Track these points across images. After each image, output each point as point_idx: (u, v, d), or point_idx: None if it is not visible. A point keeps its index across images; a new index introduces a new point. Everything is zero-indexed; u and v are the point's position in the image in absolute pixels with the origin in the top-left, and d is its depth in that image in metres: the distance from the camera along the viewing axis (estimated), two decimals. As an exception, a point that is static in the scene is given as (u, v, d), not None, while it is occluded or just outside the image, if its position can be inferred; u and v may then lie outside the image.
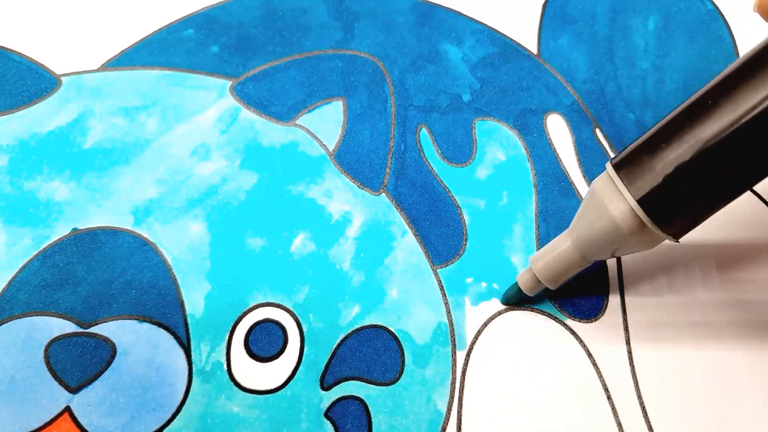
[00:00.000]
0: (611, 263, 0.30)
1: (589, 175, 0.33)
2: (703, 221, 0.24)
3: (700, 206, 0.23)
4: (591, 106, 0.34)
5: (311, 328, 0.29)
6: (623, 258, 0.31)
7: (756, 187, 0.32)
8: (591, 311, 0.30)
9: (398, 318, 0.29)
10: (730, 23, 0.36)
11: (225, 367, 0.28)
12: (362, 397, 0.28)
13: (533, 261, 0.28)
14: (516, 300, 0.29)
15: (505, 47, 0.36)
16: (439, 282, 0.30)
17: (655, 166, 0.22)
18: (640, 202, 0.23)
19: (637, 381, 0.28)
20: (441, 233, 0.31)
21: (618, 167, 0.23)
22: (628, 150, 0.24)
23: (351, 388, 0.28)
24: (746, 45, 0.35)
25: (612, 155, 0.33)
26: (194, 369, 0.28)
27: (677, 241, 0.24)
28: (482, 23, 0.37)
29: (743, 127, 0.21)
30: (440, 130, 0.33)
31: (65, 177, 0.31)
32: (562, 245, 0.27)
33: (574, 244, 0.26)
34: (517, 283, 0.29)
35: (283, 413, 0.27)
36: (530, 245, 0.31)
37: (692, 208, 0.23)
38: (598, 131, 0.34)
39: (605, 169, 0.24)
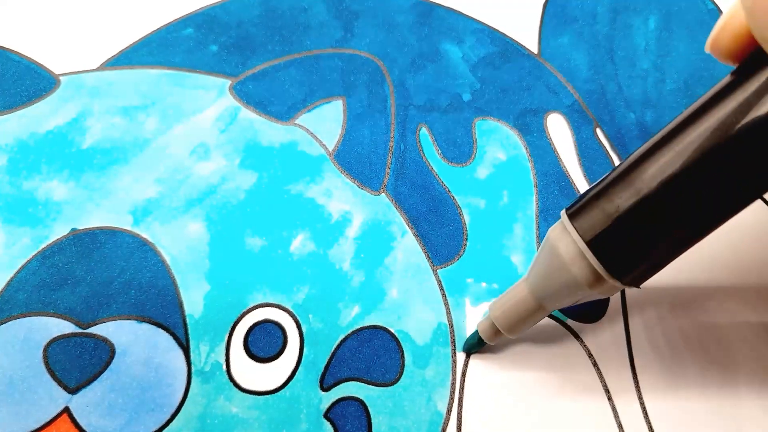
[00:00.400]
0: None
1: (590, 175, 0.32)
2: (661, 268, 0.23)
3: (652, 250, 0.22)
4: (592, 105, 0.34)
5: (311, 328, 0.29)
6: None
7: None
8: (592, 312, 0.29)
9: (398, 318, 0.29)
10: (731, 23, 0.36)
11: (224, 367, 0.28)
12: (362, 397, 0.27)
13: (492, 308, 0.26)
14: (477, 350, 0.28)
15: (506, 47, 0.36)
16: (439, 282, 0.30)
17: (606, 209, 0.22)
18: (590, 244, 0.22)
19: (637, 382, 0.28)
20: (441, 233, 0.31)
21: (572, 215, 0.23)
22: (580, 198, 0.23)
23: (351, 388, 0.28)
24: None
25: (613, 155, 0.33)
26: (193, 369, 0.28)
27: (639, 287, 0.23)
28: (482, 23, 0.36)
29: (685, 167, 0.20)
30: (440, 130, 0.33)
31: (64, 177, 0.31)
32: (519, 293, 0.25)
33: (531, 291, 0.25)
34: (477, 331, 0.28)
35: (282, 414, 0.27)
36: (531, 245, 0.31)
37: (644, 251, 0.22)
38: (598, 131, 0.34)
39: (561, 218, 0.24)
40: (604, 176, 0.23)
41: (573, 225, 0.22)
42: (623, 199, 0.21)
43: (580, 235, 0.22)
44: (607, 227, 0.22)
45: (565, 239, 0.23)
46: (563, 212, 0.23)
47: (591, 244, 0.22)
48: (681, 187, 0.20)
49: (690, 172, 0.20)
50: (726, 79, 0.21)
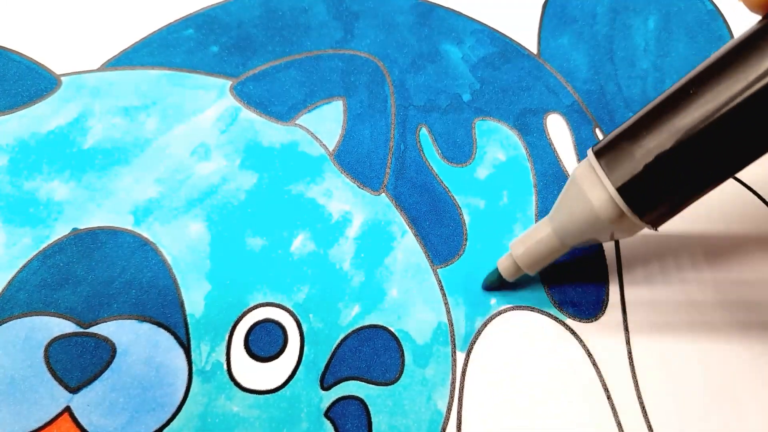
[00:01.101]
0: (612, 263, 0.30)
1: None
2: (682, 210, 0.24)
3: (679, 195, 0.23)
4: (591, 106, 0.34)
5: (311, 327, 0.29)
6: (623, 257, 0.31)
7: (755, 187, 0.32)
8: (591, 311, 0.30)
9: (398, 318, 0.29)
10: (729, 23, 0.36)
11: (225, 366, 0.28)
12: (362, 396, 0.28)
13: (514, 247, 0.28)
14: (496, 285, 0.29)
15: (505, 47, 0.36)
16: (439, 282, 0.30)
17: (636, 154, 0.22)
18: (620, 190, 0.23)
19: (636, 381, 0.28)
20: (441, 233, 0.31)
21: (599, 154, 0.23)
22: (609, 137, 0.24)
23: (351, 388, 0.28)
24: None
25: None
26: (194, 369, 0.28)
27: (656, 230, 0.24)
28: (482, 23, 0.36)
29: (723, 116, 0.21)
30: (440, 130, 0.33)
31: (65, 177, 0.31)
32: (542, 232, 0.27)
33: (554, 230, 0.26)
34: (497, 268, 0.29)
35: (283, 413, 0.27)
36: (530, 245, 0.31)
37: (671, 197, 0.23)
38: (598, 131, 0.34)
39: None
40: (634, 117, 0.23)
41: (601, 165, 0.23)
42: (655, 145, 0.22)
43: (608, 176, 0.23)
44: (636, 171, 0.22)
45: (591, 178, 0.23)
46: (590, 151, 0.24)
47: (617, 184, 0.23)
48: (717, 135, 0.21)
49: (728, 120, 0.21)
50: (754, 28, 0.21)
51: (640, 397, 0.28)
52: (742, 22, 0.36)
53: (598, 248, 0.31)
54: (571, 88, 0.35)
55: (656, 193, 0.22)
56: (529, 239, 0.27)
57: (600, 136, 0.33)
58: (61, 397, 0.27)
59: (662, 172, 0.22)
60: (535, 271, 0.28)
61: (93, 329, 0.28)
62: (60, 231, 0.30)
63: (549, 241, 0.26)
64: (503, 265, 0.28)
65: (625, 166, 0.22)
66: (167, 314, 0.29)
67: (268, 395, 0.27)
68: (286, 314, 0.29)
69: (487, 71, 0.35)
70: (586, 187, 0.24)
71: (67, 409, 0.27)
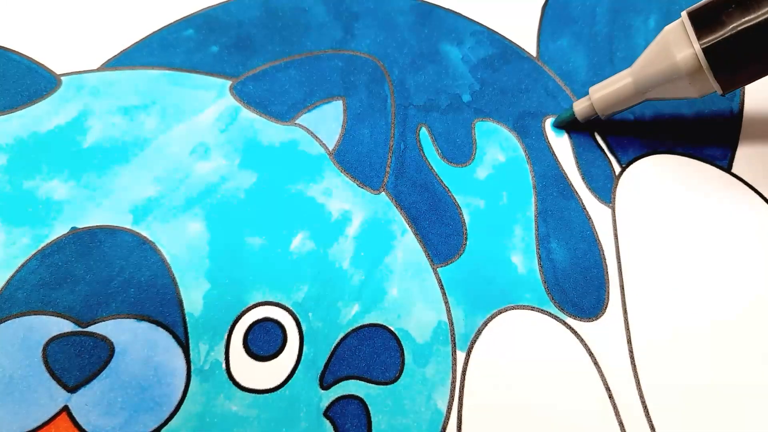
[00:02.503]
0: (611, 263, 0.30)
1: (588, 178, 0.32)
2: (754, 81, 0.28)
3: (757, 66, 0.27)
4: (591, 107, 0.34)
5: (310, 327, 0.29)
6: (623, 257, 0.30)
7: (756, 186, 0.32)
8: (592, 310, 0.29)
9: (398, 317, 0.29)
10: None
11: (224, 366, 0.28)
12: (362, 396, 0.27)
13: (593, 91, 0.31)
14: (566, 124, 0.33)
15: (505, 49, 0.36)
16: (439, 281, 0.30)
17: (726, 22, 0.26)
18: (705, 51, 0.27)
19: (638, 380, 0.28)
20: (441, 232, 0.31)
21: (691, 16, 0.27)
22: (703, 3, 0.27)
23: (350, 387, 0.28)
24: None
25: (611, 157, 0.33)
26: (193, 368, 0.28)
27: (723, 95, 0.28)
28: (482, 24, 0.37)
29: None
30: (440, 130, 0.33)
31: (64, 176, 0.31)
32: (622, 80, 0.30)
33: (633, 79, 0.30)
34: (571, 108, 0.32)
35: (282, 413, 0.27)
36: (530, 245, 0.31)
37: (749, 66, 0.27)
38: (596, 134, 0.34)
39: (680, 17, 0.28)
40: None
41: (692, 27, 0.27)
42: (745, 18, 0.26)
43: (696, 35, 0.27)
44: (723, 37, 0.26)
45: (680, 35, 0.28)
46: (684, 13, 0.28)
47: (704, 44, 0.27)
48: None
49: None
50: None
51: (642, 397, 0.28)
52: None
53: (597, 248, 0.31)
54: (570, 92, 0.35)
55: (736, 59, 0.27)
56: (608, 86, 0.31)
57: (598, 139, 0.33)
58: (59, 396, 0.27)
59: (747, 42, 0.26)
60: (607, 115, 0.32)
61: (91, 328, 0.28)
62: (59, 230, 0.30)
63: (626, 88, 0.30)
64: (579, 106, 0.32)
65: (714, 31, 0.26)
66: (166, 313, 0.28)
67: (267, 395, 0.27)
68: (286, 313, 0.29)
69: (486, 72, 0.35)
70: (673, 42, 0.28)
71: (65, 409, 0.27)
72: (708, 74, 0.27)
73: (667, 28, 0.29)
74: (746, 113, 0.35)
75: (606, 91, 0.31)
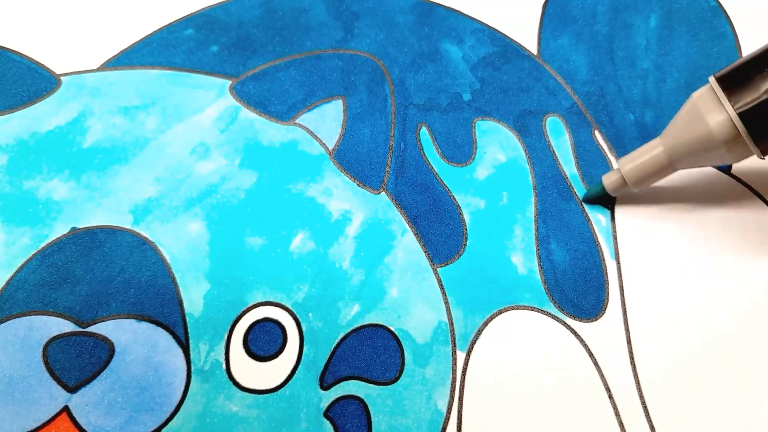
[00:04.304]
0: (611, 264, 0.30)
1: (588, 178, 0.32)
2: None
3: None
4: (590, 108, 0.34)
5: (311, 327, 0.29)
6: (623, 256, 0.30)
7: (756, 186, 0.32)
8: (591, 311, 0.29)
9: (398, 317, 0.29)
10: (732, 20, 0.36)
11: (224, 366, 0.28)
12: (362, 396, 0.27)
13: (622, 164, 0.29)
14: (596, 198, 0.31)
15: (505, 47, 0.36)
16: (439, 281, 0.30)
17: (760, 86, 0.25)
18: (741, 115, 0.25)
19: (638, 380, 0.28)
20: (441, 232, 0.31)
21: (721, 81, 0.26)
22: (733, 66, 0.26)
23: (351, 387, 0.28)
24: (749, 42, 0.35)
25: (611, 157, 0.33)
26: (193, 368, 0.28)
27: (763, 158, 0.27)
28: (482, 23, 0.36)
29: None
30: (440, 129, 0.33)
31: (64, 176, 0.31)
32: (653, 150, 0.29)
33: (665, 149, 0.28)
34: (601, 182, 0.31)
35: (282, 413, 0.27)
36: (530, 245, 0.31)
37: None
38: (597, 133, 0.34)
39: (708, 82, 0.27)
40: (760, 49, 0.26)
41: (724, 92, 0.26)
42: None
43: (729, 100, 0.26)
44: (760, 100, 0.25)
45: (711, 101, 0.26)
46: (712, 78, 0.26)
47: (739, 109, 0.25)
48: None
49: None
50: None
51: (642, 397, 0.28)
52: (744, 19, 0.36)
53: (597, 249, 0.31)
54: (571, 90, 0.35)
55: None
56: (638, 157, 0.29)
57: (599, 139, 0.33)
58: (60, 396, 0.27)
59: None
60: (639, 188, 0.30)
61: (91, 329, 0.28)
62: (59, 230, 0.30)
63: (658, 159, 0.28)
64: (609, 179, 0.30)
65: (749, 94, 0.25)
66: (166, 313, 0.28)
67: (267, 395, 0.27)
68: (286, 313, 0.29)
69: (487, 71, 0.35)
70: (705, 109, 0.26)
71: (66, 409, 0.27)
72: (747, 139, 0.26)
73: (695, 94, 0.27)
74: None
75: (637, 163, 0.29)
